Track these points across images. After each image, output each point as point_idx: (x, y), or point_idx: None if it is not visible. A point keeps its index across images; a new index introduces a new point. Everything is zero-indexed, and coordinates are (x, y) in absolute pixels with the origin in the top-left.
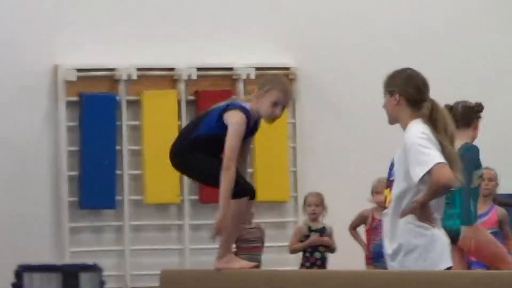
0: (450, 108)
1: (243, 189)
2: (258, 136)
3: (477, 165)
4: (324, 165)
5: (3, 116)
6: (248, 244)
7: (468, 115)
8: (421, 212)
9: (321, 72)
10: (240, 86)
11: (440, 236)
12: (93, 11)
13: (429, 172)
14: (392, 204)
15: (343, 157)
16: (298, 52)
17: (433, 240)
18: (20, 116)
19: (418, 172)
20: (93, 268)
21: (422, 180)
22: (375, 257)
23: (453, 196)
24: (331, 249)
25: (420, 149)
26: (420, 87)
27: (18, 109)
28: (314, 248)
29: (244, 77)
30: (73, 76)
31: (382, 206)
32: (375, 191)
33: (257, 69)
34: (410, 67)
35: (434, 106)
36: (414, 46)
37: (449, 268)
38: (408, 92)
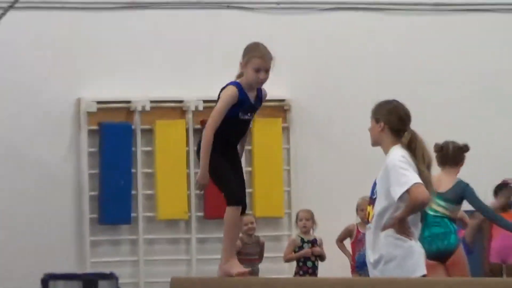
0: (441, 147)
1: (241, 201)
2: (256, 160)
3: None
4: (315, 186)
5: (33, 142)
6: (248, 256)
7: (458, 154)
8: (400, 226)
9: (312, 103)
10: None
11: (416, 247)
12: (111, 51)
13: (407, 191)
14: (374, 219)
15: (331, 178)
16: (292, 85)
17: (410, 251)
18: (48, 143)
19: (398, 191)
20: (111, 277)
21: (401, 198)
22: (359, 266)
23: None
24: (321, 258)
25: (400, 171)
26: (403, 118)
27: (46, 136)
28: (306, 258)
29: None
30: (93, 108)
31: (365, 221)
32: (359, 208)
33: None
34: (396, 100)
35: (414, 136)
36: (400, 79)
37: (423, 276)
38: (391, 122)
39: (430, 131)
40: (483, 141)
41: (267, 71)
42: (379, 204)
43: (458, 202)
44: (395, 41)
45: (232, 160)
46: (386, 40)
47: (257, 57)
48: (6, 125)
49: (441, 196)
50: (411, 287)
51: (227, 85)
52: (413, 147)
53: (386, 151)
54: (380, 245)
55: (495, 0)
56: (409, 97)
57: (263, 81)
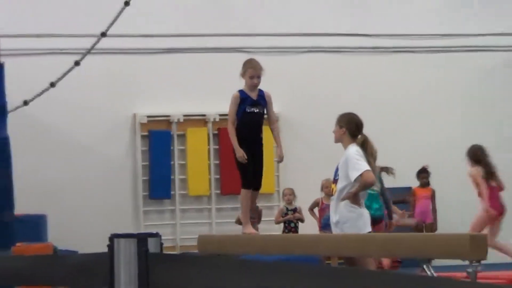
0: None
1: (251, 183)
2: None
3: None
4: (295, 171)
5: (105, 144)
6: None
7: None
8: (353, 198)
9: (299, 115)
10: None
11: (364, 212)
12: (156, 82)
13: (360, 175)
14: (336, 193)
15: (305, 166)
16: (282, 100)
17: (360, 215)
18: (114, 144)
19: (354, 174)
20: (156, 235)
21: (356, 179)
22: (324, 226)
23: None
24: (301, 220)
25: (356, 161)
26: (358, 126)
27: (113, 139)
28: (290, 221)
29: None
30: (144, 120)
31: (329, 195)
32: (324, 186)
33: None
34: (353, 112)
35: (366, 139)
36: (372, 96)
37: (369, 232)
38: (350, 128)
39: (377, 134)
40: (409, 141)
41: (259, 77)
42: (340, 183)
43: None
44: (349, 78)
45: (253, 152)
46: (343, 76)
47: (251, 68)
48: (88, 132)
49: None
50: (359, 240)
51: None
52: (365, 146)
53: (345, 147)
54: (340, 211)
55: (415, 43)
56: (362, 112)
57: (257, 84)
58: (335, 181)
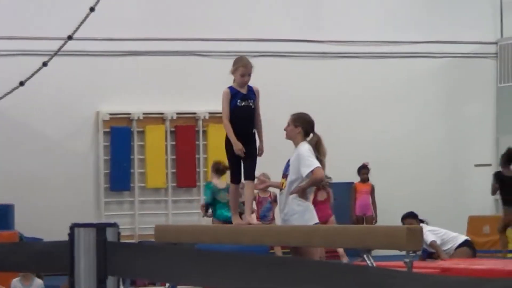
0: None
1: (237, 179)
2: (213, 150)
3: None
4: None
5: (70, 138)
6: None
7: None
8: (302, 193)
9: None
10: (200, 123)
11: (310, 206)
12: (118, 82)
13: (312, 171)
14: (286, 187)
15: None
16: None
17: (307, 208)
18: (79, 139)
19: (306, 170)
20: (114, 225)
21: (307, 175)
22: (262, 217)
23: None
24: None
25: (308, 158)
26: (311, 126)
27: (78, 134)
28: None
29: (202, 118)
30: (106, 117)
31: (280, 189)
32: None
33: (209, 113)
34: (307, 112)
35: (319, 138)
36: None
37: (316, 223)
38: (305, 128)
39: (323, 133)
40: (351, 140)
41: (249, 75)
42: (291, 178)
43: None
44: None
45: (246, 146)
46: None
47: (242, 66)
48: (54, 128)
49: None
50: (302, 230)
51: None
52: (318, 146)
53: (296, 144)
54: (289, 204)
55: (359, 49)
56: (310, 112)
57: (247, 82)
58: (285, 176)
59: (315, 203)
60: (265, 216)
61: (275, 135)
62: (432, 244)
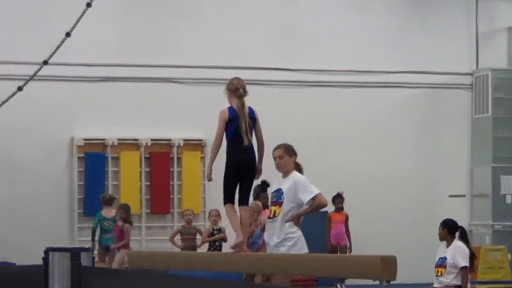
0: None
1: (232, 198)
2: (185, 176)
3: None
4: (219, 195)
5: (43, 163)
6: (189, 236)
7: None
8: (297, 220)
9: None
10: (174, 150)
11: (302, 235)
12: (93, 109)
13: (313, 198)
14: (281, 214)
15: None
16: (211, 126)
17: (300, 237)
18: (52, 164)
19: (306, 197)
20: (88, 250)
21: (307, 202)
22: (252, 244)
23: None
24: (224, 240)
25: (307, 185)
26: (296, 153)
27: (51, 159)
28: (215, 240)
29: (177, 144)
30: (81, 143)
31: (269, 216)
32: (251, 210)
33: (184, 140)
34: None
35: (301, 167)
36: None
37: (307, 253)
38: (295, 156)
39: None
40: (325, 169)
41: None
42: (287, 206)
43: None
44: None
45: (245, 173)
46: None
47: (232, 90)
48: (29, 153)
49: None
50: (275, 258)
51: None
52: (301, 173)
53: (288, 173)
54: (284, 231)
55: (334, 78)
56: (284, 140)
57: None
58: (276, 203)
59: None
60: (255, 242)
61: None
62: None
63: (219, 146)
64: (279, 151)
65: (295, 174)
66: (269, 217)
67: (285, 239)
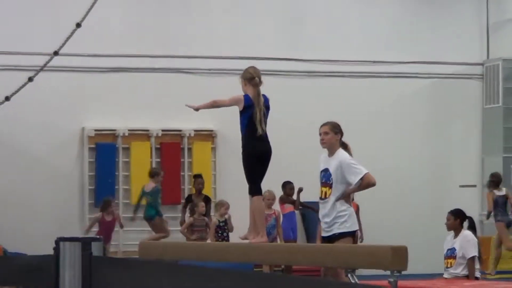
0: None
1: (260, 189)
2: (197, 168)
3: None
4: (230, 186)
5: (55, 154)
6: (199, 227)
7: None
8: (347, 198)
9: (233, 132)
10: (185, 140)
11: (353, 212)
12: (104, 99)
13: (362, 178)
14: (331, 195)
15: (240, 179)
16: (218, 118)
17: (351, 214)
18: (64, 155)
19: (354, 178)
20: (99, 239)
21: (356, 183)
22: (266, 234)
23: None
24: (230, 229)
25: (354, 165)
26: (342, 133)
27: (63, 150)
28: (223, 231)
29: (187, 135)
30: (92, 133)
31: (269, 207)
32: (266, 198)
33: (195, 130)
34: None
35: (348, 146)
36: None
37: (357, 230)
38: (341, 134)
39: (308, 151)
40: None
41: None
42: (336, 187)
43: None
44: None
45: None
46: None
47: (248, 79)
48: (40, 144)
49: None
50: (286, 249)
51: None
52: (348, 151)
53: (333, 152)
54: (336, 209)
55: (343, 68)
56: (295, 131)
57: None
58: (325, 184)
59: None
60: (269, 233)
61: None
62: None
63: (217, 107)
64: (325, 128)
65: (340, 153)
66: (320, 198)
67: (336, 217)
